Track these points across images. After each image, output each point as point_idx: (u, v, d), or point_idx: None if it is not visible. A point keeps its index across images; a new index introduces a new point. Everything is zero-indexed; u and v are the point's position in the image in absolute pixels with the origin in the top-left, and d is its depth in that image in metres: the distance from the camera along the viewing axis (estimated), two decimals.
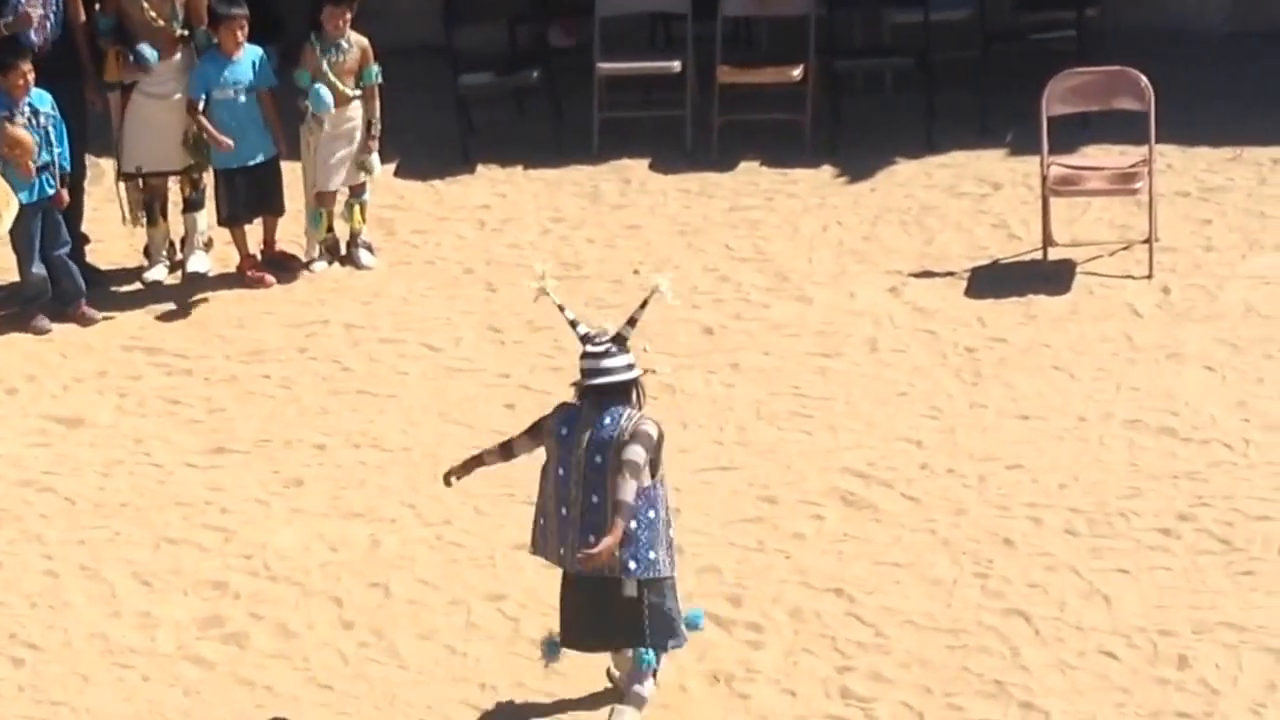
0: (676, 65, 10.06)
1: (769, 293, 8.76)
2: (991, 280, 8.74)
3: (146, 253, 9.26)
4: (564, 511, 5.90)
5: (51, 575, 7.07)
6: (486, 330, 8.65)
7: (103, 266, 9.29)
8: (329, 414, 8.04)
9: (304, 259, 9.29)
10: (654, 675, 6.10)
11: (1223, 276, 8.59)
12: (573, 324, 5.99)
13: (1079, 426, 7.58)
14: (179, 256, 9.24)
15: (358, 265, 9.26)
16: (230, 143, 8.83)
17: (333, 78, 8.97)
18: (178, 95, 8.94)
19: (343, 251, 9.30)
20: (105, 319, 8.86)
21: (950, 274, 8.81)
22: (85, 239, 9.25)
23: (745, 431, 7.68)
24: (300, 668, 6.51)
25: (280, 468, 7.67)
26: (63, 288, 8.79)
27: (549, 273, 6.06)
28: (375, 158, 9.16)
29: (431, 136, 10.19)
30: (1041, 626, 6.44)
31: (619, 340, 5.97)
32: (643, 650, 6.00)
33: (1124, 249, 8.88)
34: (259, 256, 9.21)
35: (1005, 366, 8.05)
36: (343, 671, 6.48)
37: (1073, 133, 9.32)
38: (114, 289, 9.15)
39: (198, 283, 9.10)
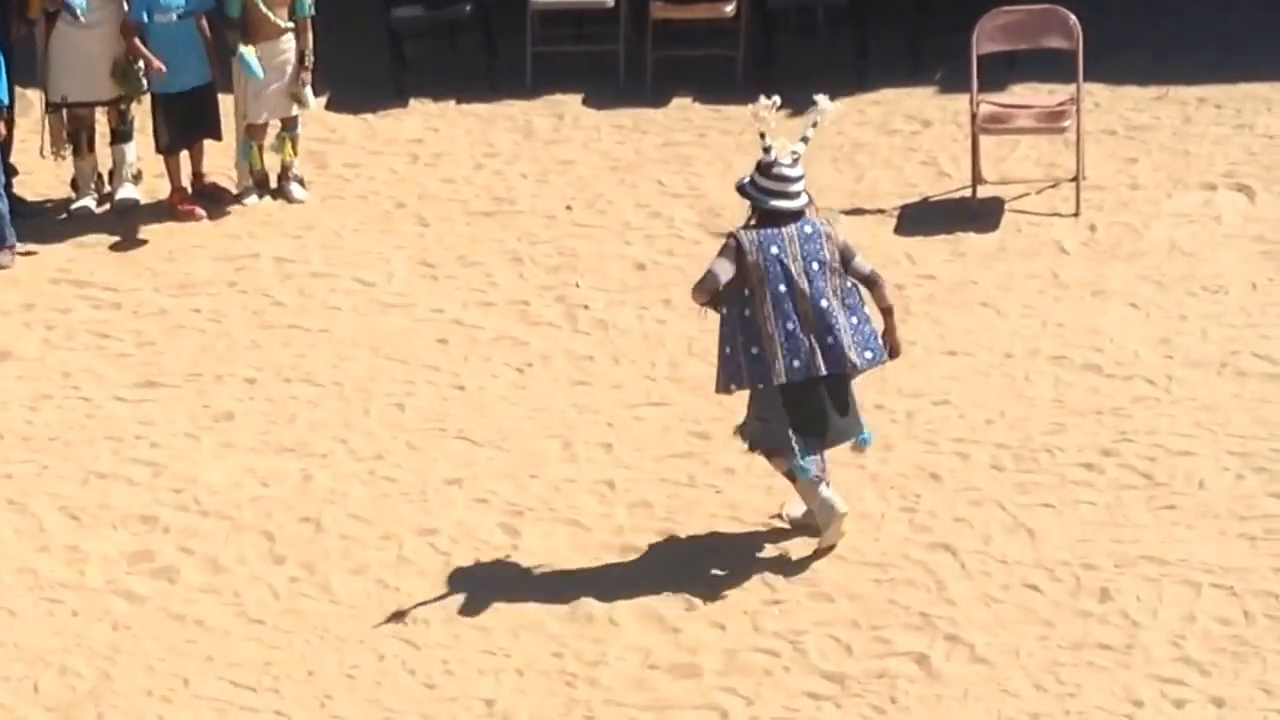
0: (610, 0, 10.03)
1: (701, 229, 8.79)
2: (921, 217, 8.79)
3: (74, 185, 9.17)
4: (790, 326, 6.18)
5: None
6: (419, 265, 8.63)
7: (30, 198, 9.20)
8: (260, 348, 8.02)
9: (235, 192, 9.23)
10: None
11: (1148, 215, 8.68)
12: (766, 150, 6.27)
13: (1005, 363, 7.65)
14: (107, 189, 9.16)
15: (289, 199, 9.21)
16: (162, 66, 8.73)
17: (265, 9, 8.89)
18: (104, 24, 8.83)
19: (274, 185, 9.25)
20: (32, 252, 8.78)
21: (880, 211, 8.85)
22: (13, 170, 9.15)
23: (677, 368, 7.71)
24: (231, 602, 6.51)
25: (210, 402, 7.65)
26: None
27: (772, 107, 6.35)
28: (308, 90, 9.09)
29: (364, 70, 10.12)
30: (967, 560, 6.53)
31: (798, 159, 6.28)
32: (863, 435, 6.48)
33: (1051, 187, 8.95)
34: (189, 189, 9.15)
35: (933, 303, 8.11)
36: (274, 606, 6.49)
37: (1002, 71, 9.36)
38: (41, 221, 9.06)
39: (127, 215, 9.03)
